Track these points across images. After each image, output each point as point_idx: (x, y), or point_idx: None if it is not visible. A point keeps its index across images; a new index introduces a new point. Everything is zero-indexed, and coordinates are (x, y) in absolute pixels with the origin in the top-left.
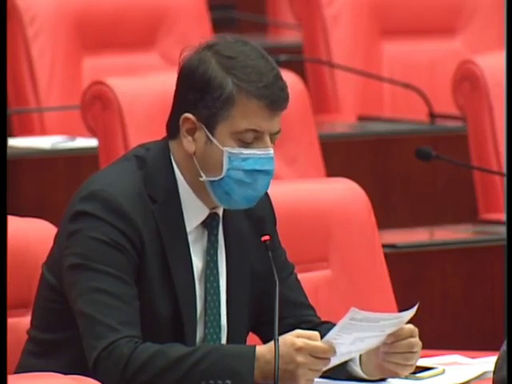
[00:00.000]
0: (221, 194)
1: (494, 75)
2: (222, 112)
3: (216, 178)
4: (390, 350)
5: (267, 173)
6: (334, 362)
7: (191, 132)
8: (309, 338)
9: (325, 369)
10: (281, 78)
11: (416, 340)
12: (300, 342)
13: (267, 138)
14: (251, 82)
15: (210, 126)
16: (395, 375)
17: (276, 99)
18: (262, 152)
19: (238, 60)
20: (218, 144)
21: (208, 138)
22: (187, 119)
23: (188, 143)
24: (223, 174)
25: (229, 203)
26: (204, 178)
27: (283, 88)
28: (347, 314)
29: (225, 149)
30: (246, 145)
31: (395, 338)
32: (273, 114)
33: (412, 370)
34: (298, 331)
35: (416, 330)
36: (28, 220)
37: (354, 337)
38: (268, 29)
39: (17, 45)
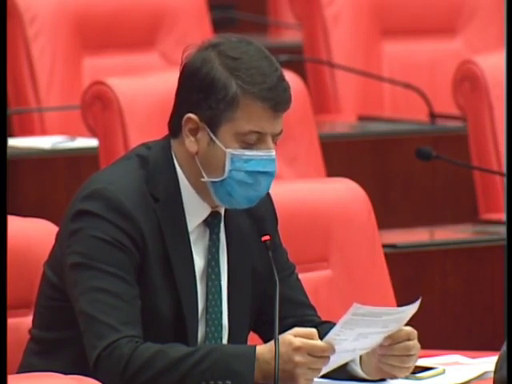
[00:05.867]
0: (222, 195)
1: (493, 75)
2: (225, 113)
3: (218, 179)
4: (387, 353)
5: (269, 174)
6: (339, 360)
7: (194, 132)
8: (306, 335)
9: (331, 369)
10: (284, 79)
11: (413, 343)
12: (298, 341)
13: (269, 140)
14: (255, 83)
15: (213, 127)
16: (392, 377)
17: (279, 101)
18: (264, 153)
19: (241, 61)
20: (220, 145)
21: (211, 138)
22: (190, 119)
23: (190, 143)
24: (225, 175)
25: (230, 203)
26: (206, 178)
27: (286, 89)
28: (349, 309)
29: (227, 150)
30: (248, 146)
31: (392, 340)
32: (276, 116)
33: (409, 372)
34: (296, 329)
35: (414, 332)
36: (29, 220)
37: (357, 333)
38: (268, 29)
39: (17, 45)
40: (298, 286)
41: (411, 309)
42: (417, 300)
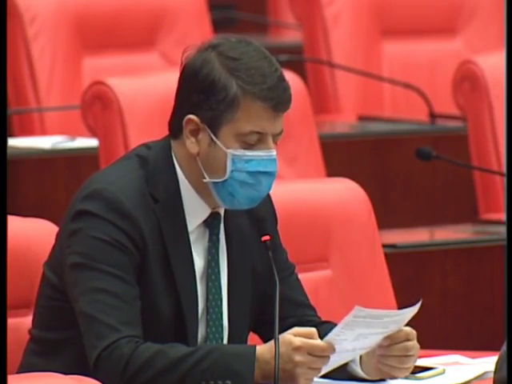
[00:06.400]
0: (224, 195)
1: (493, 75)
2: (226, 114)
3: (220, 180)
4: (386, 353)
5: (270, 174)
6: (339, 360)
7: (194, 133)
8: (306, 335)
9: (330, 368)
10: (284, 79)
11: (412, 343)
12: (298, 341)
13: (270, 140)
14: (255, 84)
15: (214, 128)
16: (392, 377)
17: (280, 101)
18: (265, 154)
19: (241, 61)
20: (221, 146)
21: (212, 139)
22: (191, 120)
23: (191, 144)
24: (227, 175)
25: (232, 204)
26: (207, 179)
27: (286, 89)
28: (351, 312)
29: (228, 151)
30: (249, 146)
31: (391, 340)
32: (276, 116)
33: (408, 372)
34: (296, 329)
35: (413, 332)
36: (29, 220)
37: (357, 333)
38: (268, 29)
39: (17, 45)
40: (297, 286)
41: (412, 311)
42: (417, 302)
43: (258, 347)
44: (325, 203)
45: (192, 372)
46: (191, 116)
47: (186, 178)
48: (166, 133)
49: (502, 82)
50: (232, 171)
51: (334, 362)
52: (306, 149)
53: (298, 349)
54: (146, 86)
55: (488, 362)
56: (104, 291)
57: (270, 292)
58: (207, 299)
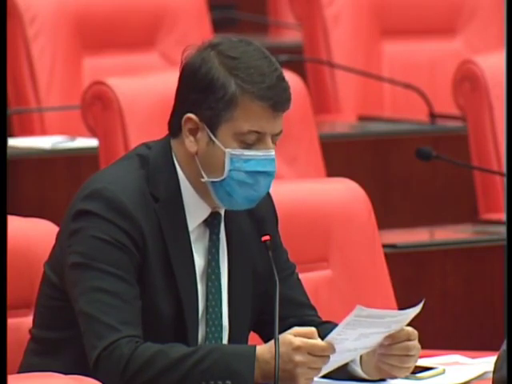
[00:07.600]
0: (222, 195)
1: (494, 75)
2: (224, 113)
3: (218, 179)
4: (387, 352)
5: (269, 174)
6: (340, 360)
7: (193, 132)
8: (306, 335)
9: (332, 369)
10: (283, 79)
11: (413, 343)
12: (298, 340)
13: (269, 140)
14: (254, 83)
15: (213, 127)
16: (392, 377)
17: (279, 100)
18: (263, 153)
19: (240, 60)
20: (220, 145)
21: (210, 138)
22: (189, 119)
23: (190, 143)
24: (225, 175)
25: (230, 204)
26: (206, 178)
27: (286, 89)
28: (352, 311)
29: (227, 150)
30: (247, 146)
31: (392, 340)
32: (275, 115)
33: (408, 372)
34: (296, 329)
35: (415, 332)
36: (29, 220)
37: (359, 333)
38: (268, 29)
39: (17, 45)
40: (298, 286)
41: (414, 311)
42: (420, 302)
43: (258, 347)
44: (325, 203)
45: (192, 372)
46: (190, 115)
47: (186, 177)
48: (166, 133)
49: (502, 82)
50: (230, 171)
51: (336, 361)
52: (306, 149)
53: (298, 349)
54: (146, 86)
55: (488, 362)
56: (104, 291)
57: (271, 292)
58: (207, 299)
